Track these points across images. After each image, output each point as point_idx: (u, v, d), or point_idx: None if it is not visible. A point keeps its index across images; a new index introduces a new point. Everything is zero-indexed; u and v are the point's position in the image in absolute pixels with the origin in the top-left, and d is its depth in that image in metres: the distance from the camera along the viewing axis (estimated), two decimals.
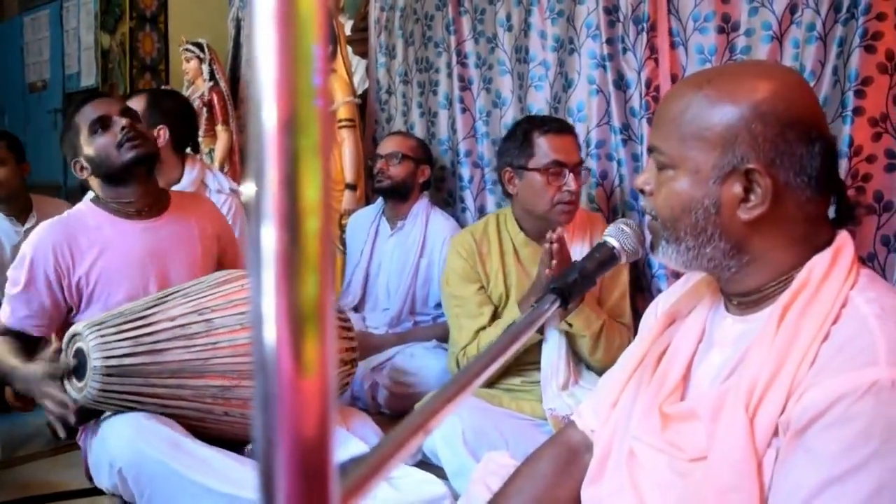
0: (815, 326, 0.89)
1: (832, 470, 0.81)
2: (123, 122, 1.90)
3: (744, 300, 1.02)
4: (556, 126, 2.16)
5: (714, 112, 0.95)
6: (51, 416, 1.74)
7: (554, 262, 1.81)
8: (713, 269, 1.00)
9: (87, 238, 1.90)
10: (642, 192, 1.04)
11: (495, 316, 2.16)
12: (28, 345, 1.90)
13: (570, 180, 2.08)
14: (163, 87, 4.37)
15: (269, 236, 0.33)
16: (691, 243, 0.98)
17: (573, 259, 1.97)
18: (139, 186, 1.95)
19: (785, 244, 0.96)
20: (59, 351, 1.74)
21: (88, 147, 1.91)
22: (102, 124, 1.90)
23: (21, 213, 3.05)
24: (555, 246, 1.81)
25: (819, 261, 0.94)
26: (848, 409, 0.82)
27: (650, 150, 1.03)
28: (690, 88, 0.99)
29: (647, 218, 1.06)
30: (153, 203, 1.99)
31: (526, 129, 2.17)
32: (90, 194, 2.19)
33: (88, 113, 1.92)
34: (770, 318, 0.93)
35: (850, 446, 0.81)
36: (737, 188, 0.94)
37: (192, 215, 2.05)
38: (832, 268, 0.93)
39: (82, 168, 1.94)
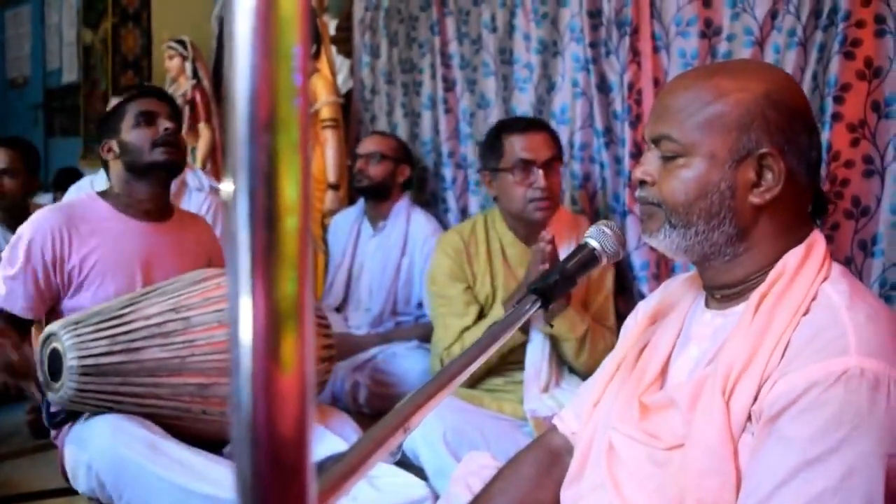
0: (788, 317, 0.93)
1: (804, 455, 0.84)
2: (168, 124, 1.95)
3: (727, 292, 1.05)
4: (524, 125, 2.18)
5: (728, 99, 0.98)
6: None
7: (544, 265, 1.80)
8: (710, 256, 1.03)
9: (88, 227, 1.91)
10: (643, 182, 1.05)
11: (481, 316, 2.17)
12: (18, 326, 1.90)
13: (539, 177, 2.09)
14: (145, 83, 4.34)
15: (248, 234, 0.33)
16: (702, 227, 1.00)
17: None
18: (155, 188, 1.98)
19: (778, 233, 1.00)
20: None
21: (127, 133, 1.95)
22: (148, 118, 1.95)
23: (15, 223, 3.04)
24: (549, 246, 1.82)
25: (793, 255, 0.98)
26: (819, 396, 0.85)
27: (654, 141, 1.04)
28: (698, 80, 1.03)
29: (642, 206, 1.07)
30: (160, 209, 2.02)
31: (497, 130, 2.20)
32: (83, 184, 2.21)
33: (140, 104, 1.98)
34: (747, 308, 0.97)
35: (822, 432, 0.84)
36: (750, 172, 0.98)
37: (190, 232, 2.08)
38: (805, 261, 0.97)
39: (110, 150, 1.98)
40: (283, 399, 0.34)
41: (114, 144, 1.97)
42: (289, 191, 0.33)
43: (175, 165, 1.98)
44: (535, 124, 2.20)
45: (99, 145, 2.02)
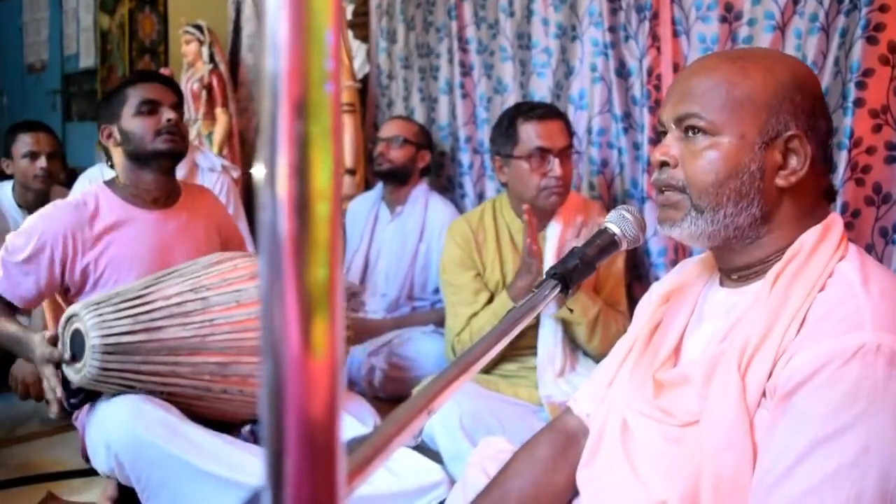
0: (804, 293, 0.93)
1: (820, 431, 0.84)
2: (171, 115, 1.93)
3: (745, 273, 1.04)
4: (540, 112, 2.15)
5: (757, 81, 0.98)
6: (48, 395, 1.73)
7: (528, 239, 1.95)
8: (731, 240, 1.02)
9: (101, 223, 1.91)
10: (665, 164, 1.04)
11: (490, 302, 2.17)
12: (8, 310, 1.89)
13: (555, 166, 2.08)
14: (161, 69, 4.35)
15: (280, 220, 0.33)
16: (731, 210, 0.99)
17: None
18: (159, 177, 1.97)
19: (798, 216, 1.00)
20: (55, 338, 1.72)
21: (128, 122, 1.93)
22: (151, 108, 1.93)
23: (36, 206, 3.08)
24: (526, 216, 1.94)
25: (810, 234, 0.98)
26: (835, 372, 0.84)
27: (677, 121, 1.02)
28: (723, 62, 1.02)
29: (661, 195, 1.05)
30: (168, 195, 2.02)
31: (511, 116, 2.17)
32: (93, 173, 2.21)
33: (143, 91, 1.94)
34: (763, 285, 0.97)
35: (837, 408, 0.83)
36: (777, 155, 0.98)
37: (199, 208, 2.08)
38: (822, 241, 0.97)
39: (110, 135, 1.96)
40: (315, 382, 0.34)
41: (114, 130, 1.95)
42: (320, 177, 0.33)
43: (178, 153, 1.97)
44: (551, 112, 2.18)
45: (99, 130, 1.99)
